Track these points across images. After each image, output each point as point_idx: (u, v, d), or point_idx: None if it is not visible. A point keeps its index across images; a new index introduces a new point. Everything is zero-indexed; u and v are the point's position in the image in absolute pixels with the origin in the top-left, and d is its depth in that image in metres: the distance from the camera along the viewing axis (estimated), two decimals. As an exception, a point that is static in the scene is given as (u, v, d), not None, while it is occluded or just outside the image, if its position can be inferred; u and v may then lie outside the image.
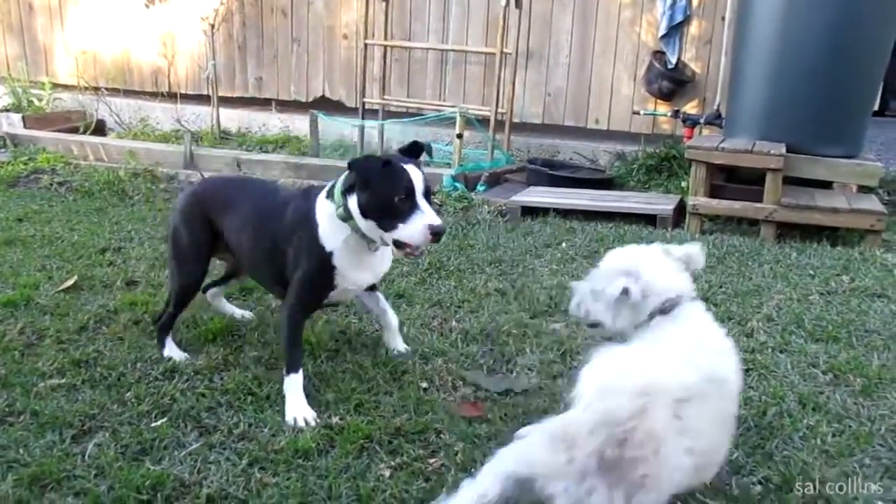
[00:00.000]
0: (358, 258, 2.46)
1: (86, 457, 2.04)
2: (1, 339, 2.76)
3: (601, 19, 6.05)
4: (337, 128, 6.51)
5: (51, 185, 5.31)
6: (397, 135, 6.39)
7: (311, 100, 7.14)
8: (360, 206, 2.34)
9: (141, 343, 2.76)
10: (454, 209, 4.77)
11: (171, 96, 7.46)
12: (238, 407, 2.34)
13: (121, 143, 6.32)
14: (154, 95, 7.58)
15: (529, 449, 1.59)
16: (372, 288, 2.73)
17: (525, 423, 2.18)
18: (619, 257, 2.06)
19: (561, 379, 2.54)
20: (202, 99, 7.32)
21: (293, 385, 2.38)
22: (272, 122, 7.36)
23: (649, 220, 4.54)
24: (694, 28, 5.72)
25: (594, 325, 2.09)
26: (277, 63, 7.29)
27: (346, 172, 2.42)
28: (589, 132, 6.23)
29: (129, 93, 7.65)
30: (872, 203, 4.29)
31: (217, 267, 3.07)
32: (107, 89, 7.42)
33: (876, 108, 8.36)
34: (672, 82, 5.60)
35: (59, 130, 6.68)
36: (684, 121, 5.41)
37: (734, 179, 4.72)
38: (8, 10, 7.91)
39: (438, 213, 2.37)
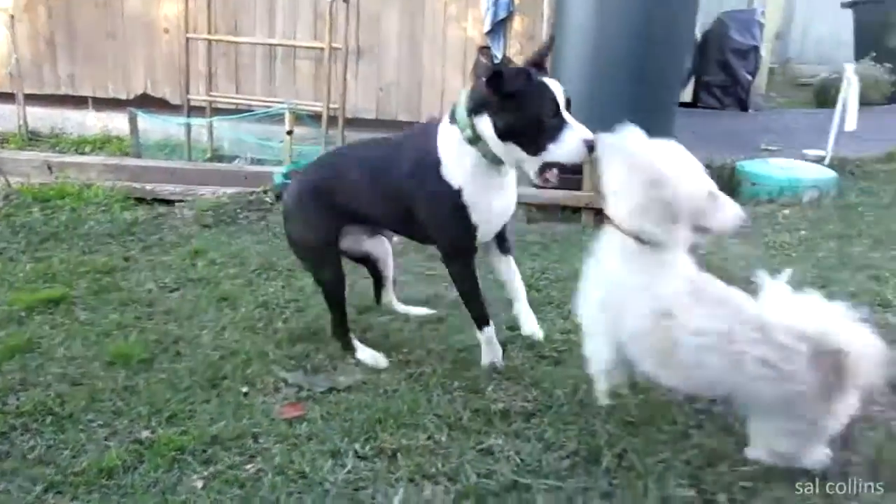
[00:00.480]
0: (489, 189, 2.27)
1: None
2: None
3: (428, 14, 6.12)
4: (162, 126, 6.18)
5: None
6: (227, 133, 6.17)
7: (132, 97, 6.73)
8: (500, 128, 2.10)
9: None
10: (286, 207, 4.65)
11: (-32, 95, 6.79)
12: (35, 430, 2.16)
13: None
14: (-53, 94, 6.87)
15: None
16: (503, 246, 2.53)
17: (347, 419, 2.18)
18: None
19: (385, 373, 2.54)
20: (6, 97, 6.70)
21: (490, 337, 2.50)
22: (90, 122, 6.87)
23: (479, 211, 4.65)
24: (517, 24, 5.92)
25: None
26: (92, 58, 6.80)
27: (468, 90, 2.20)
28: (422, 126, 6.29)
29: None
30: (679, 188, 4.63)
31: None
32: None
33: (690, 100, 9.14)
34: (497, 77, 5.77)
35: None
36: (511, 113, 5.59)
37: (559, 170, 4.92)
38: None
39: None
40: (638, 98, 4.65)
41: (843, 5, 10.44)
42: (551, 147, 2.06)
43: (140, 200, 4.83)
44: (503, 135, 2.09)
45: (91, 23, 6.72)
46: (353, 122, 6.22)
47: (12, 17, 6.28)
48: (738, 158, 5.54)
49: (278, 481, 1.92)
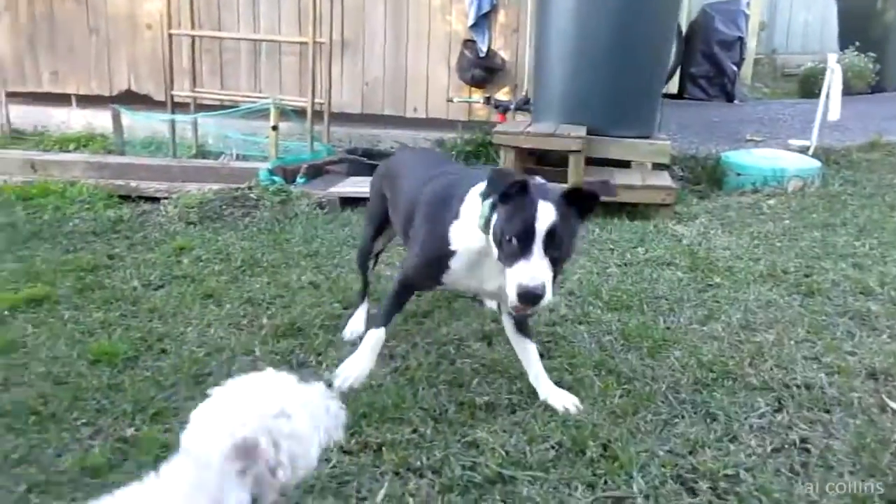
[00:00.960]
0: (480, 268, 2.22)
1: None
2: None
3: (413, 8, 6.10)
4: (146, 123, 6.15)
5: None
6: (212, 129, 6.14)
7: (115, 94, 6.68)
8: (492, 226, 2.05)
9: None
10: (272, 203, 4.63)
11: (-51, 94, 6.72)
12: (18, 430, 2.15)
13: None
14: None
15: None
16: (522, 327, 2.41)
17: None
18: None
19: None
20: (-13, 96, 6.65)
21: (370, 341, 2.38)
22: (74, 119, 6.81)
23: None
24: (502, 17, 5.91)
25: None
26: (75, 55, 6.75)
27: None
28: (408, 121, 6.29)
29: None
30: (663, 179, 4.66)
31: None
32: None
33: (675, 91, 9.17)
34: (484, 70, 5.78)
35: None
36: (496, 107, 5.60)
37: (543, 162, 4.94)
38: None
39: (557, 262, 1.96)
40: (622, 90, 4.68)
41: (827, -6, 10.49)
42: (507, 272, 1.96)
43: (124, 198, 4.80)
44: (491, 234, 2.05)
45: (73, 19, 6.66)
46: (339, 117, 6.20)
47: (-7, 14, 6.23)
48: (723, 149, 5.57)
49: (263, 476, 1.92)
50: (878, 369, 2.52)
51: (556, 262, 1.95)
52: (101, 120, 6.53)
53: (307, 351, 2.67)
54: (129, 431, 2.14)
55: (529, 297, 1.89)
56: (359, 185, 4.95)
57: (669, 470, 1.99)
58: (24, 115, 6.72)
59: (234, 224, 4.31)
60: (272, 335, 2.79)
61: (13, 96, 6.53)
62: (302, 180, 5.13)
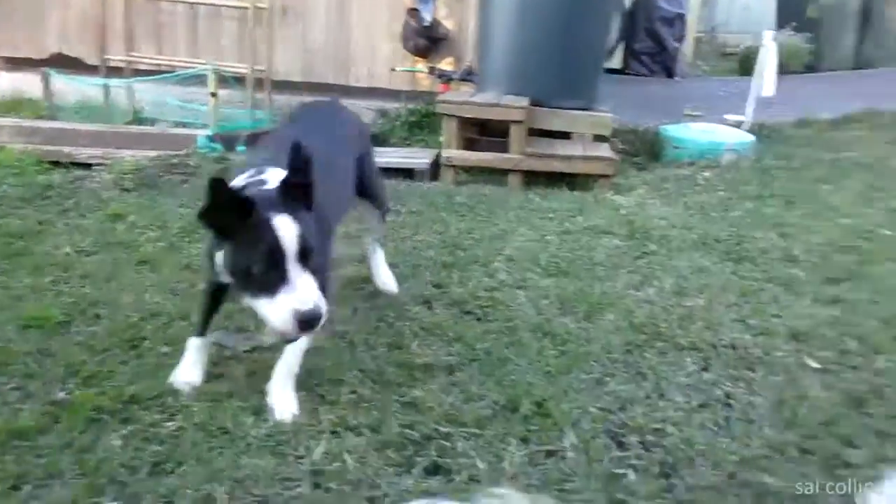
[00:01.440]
0: None
1: None
2: None
3: (357, -25, 6.02)
4: (78, 88, 5.94)
5: None
6: (149, 95, 5.97)
7: (45, 57, 6.43)
8: (223, 262, 1.81)
9: None
10: (210, 171, 4.55)
11: None
12: (-58, 394, 2.09)
13: None
14: None
15: None
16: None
17: (269, 377, 2.18)
18: None
19: (310, 330, 2.54)
20: None
21: (190, 347, 2.19)
22: (1, 83, 6.54)
23: (407, 173, 4.66)
24: (446, -15, 5.90)
25: None
26: (1, 16, 6.46)
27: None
28: (352, 90, 6.21)
29: None
30: (604, 150, 4.73)
31: None
32: None
33: (619, 67, 9.29)
34: (427, 39, 5.76)
35: None
36: (440, 77, 5.60)
37: (486, 133, 4.96)
38: None
39: (325, 281, 1.86)
40: (565, 62, 4.72)
41: (766, -25, 10.73)
42: (265, 303, 1.71)
43: (56, 164, 4.64)
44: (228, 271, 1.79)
45: (-1, -22, 6.38)
46: (281, 85, 6.11)
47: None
48: (662, 123, 5.68)
49: (199, 437, 1.91)
50: (800, 331, 2.64)
51: (318, 271, 1.77)
52: (30, 84, 6.28)
53: (246, 316, 2.65)
54: (61, 395, 2.09)
55: (309, 322, 1.69)
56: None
57: (600, 425, 2.06)
58: (-55, 78, 6.43)
59: (171, 191, 4.22)
60: (210, 300, 2.75)
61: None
62: (241, 148, 5.04)
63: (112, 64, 5.96)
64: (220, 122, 5.22)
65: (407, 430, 1.99)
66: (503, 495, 1.59)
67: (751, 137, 5.31)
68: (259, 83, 5.75)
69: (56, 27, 6.46)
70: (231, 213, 1.70)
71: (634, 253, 3.37)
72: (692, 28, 10.08)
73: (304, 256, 1.71)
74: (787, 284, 3.08)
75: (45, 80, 5.72)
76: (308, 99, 6.10)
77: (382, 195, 2.83)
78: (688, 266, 3.23)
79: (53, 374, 2.20)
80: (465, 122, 4.62)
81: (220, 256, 1.82)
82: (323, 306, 1.72)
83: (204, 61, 5.72)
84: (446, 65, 5.89)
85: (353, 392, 2.17)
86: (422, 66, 5.90)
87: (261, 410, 2.05)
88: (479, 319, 2.70)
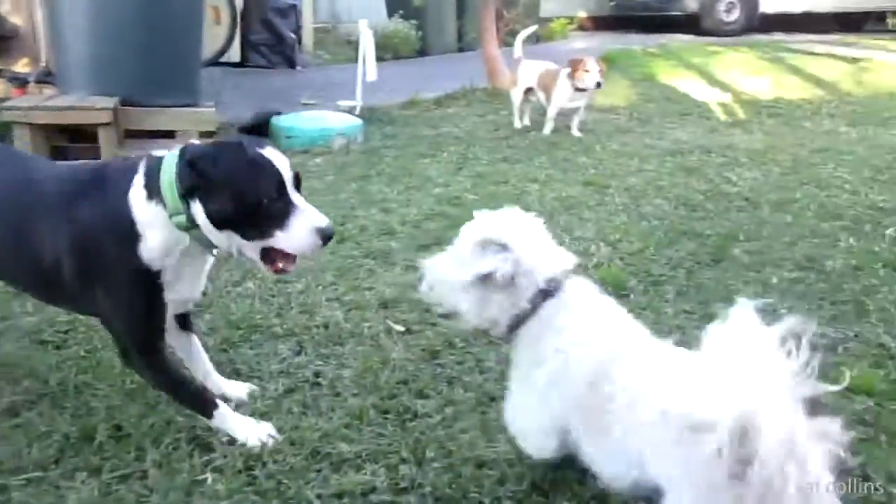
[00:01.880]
0: (192, 266, 1.86)
1: None
2: None
3: None
4: None
5: None
6: None
7: None
8: (213, 215, 1.70)
9: None
10: None
11: None
12: None
13: None
14: None
15: None
16: (184, 321, 2.09)
17: None
18: (481, 225, 1.66)
19: None
20: None
21: (224, 418, 1.94)
22: None
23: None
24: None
25: (449, 316, 1.73)
26: None
27: (176, 167, 1.71)
28: None
29: None
30: (212, 147, 4.59)
31: None
32: None
33: (238, 60, 9.13)
34: (-7, 39, 5.06)
35: None
36: (11, 80, 4.94)
37: (78, 139, 4.50)
38: None
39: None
40: (154, 56, 4.47)
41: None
42: (279, 234, 1.73)
43: None
44: (218, 223, 1.72)
45: None
46: None
47: None
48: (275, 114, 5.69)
49: None
50: (389, 298, 2.82)
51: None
52: None
53: None
54: None
55: (331, 234, 1.76)
56: None
57: (186, 434, 1.98)
58: None
59: None
60: None
61: None
62: None
63: None
64: None
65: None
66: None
67: (359, 121, 5.57)
68: None
69: None
70: (230, 156, 1.70)
71: (239, 248, 3.32)
72: (308, 18, 10.29)
73: (298, 184, 1.77)
74: (384, 256, 3.27)
75: None
76: None
77: None
78: (291, 253, 3.26)
79: None
80: (48, 130, 4.14)
81: (199, 209, 1.71)
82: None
83: None
84: (22, 67, 5.23)
85: None
86: (-11, 69, 5.17)
87: None
88: (57, 348, 2.44)
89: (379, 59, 6.63)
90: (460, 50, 11.33)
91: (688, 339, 1.49)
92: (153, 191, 1.74)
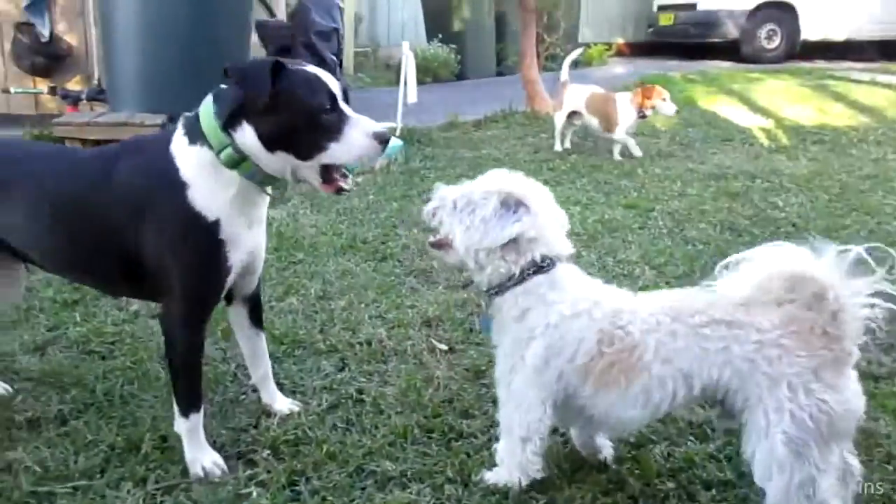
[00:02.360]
0: (248, 215, 1.79)
1: None
2: None
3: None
4: None
5: None
6: None
7: None
8: (266, 135, 1.67)
9: None
10: None
11: None
12: None
13: None
14: None
15: None
16: (255, 315, 2.08)
17: None
18: (504, 180, 1.70)
19: None
20: None
21: (193, 427, 1.86)
22: None
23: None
24: (62, -1, 5.37)
25: (441, 246, 1.76)
26: None
27: (214, 97, 1.71)
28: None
29: None
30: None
31: None
32: None
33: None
34: (47, 57, 5.19)
35: None
36: (65, 98, 5.07)
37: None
38: None
39: None
40: (203, 75, 4.51)
41: (415, -8, 11.48)
42: (334, 146, 1.69)
43: None
44: (271, 142, 1.68)
45: None
46: None
47: None
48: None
49: None
50: (431, 317, 2.80)
51: None
52: None
53: None
54: None
55: (388, 137, 1.74)
56: None
57: (230, 447, 1.97)
58: None
59: None
60: None
61: None
62: None
63: None
64: None
65: (-4, 501, 1.72)
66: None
67: (399, 142, 5.59)
68: None
69: None
70: (285, 71, 1.65)
71: (281, 264, 3.33)
72: (349, 42, 10.43)
73: (346, 97, 1.75)
74: (426, 275, 3.26)
75: None
76: None
77: None
78: (334, 270, 3.27)
79: None
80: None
81: (248, 135, 1.67)
82: None
83: None
84: (74, 84, 5.37)
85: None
86: (44, 86, 5.30)
87: None
88: (104, 359, 2.46)
89: (418, 82, 6.67)
90: (499, 74, 11.40)
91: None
92: (194, 135, 1.71)
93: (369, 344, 2.57)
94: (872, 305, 1.50)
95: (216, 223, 1.72)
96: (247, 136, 1.67)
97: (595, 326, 1.62)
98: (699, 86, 9.01)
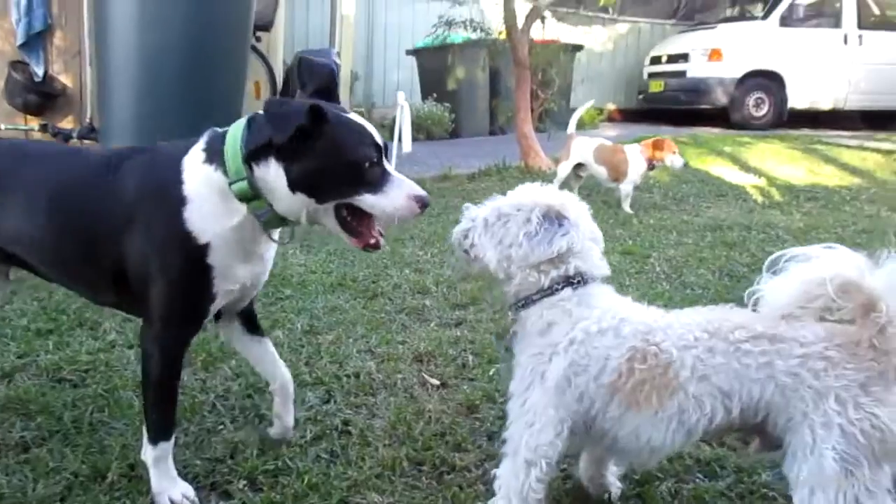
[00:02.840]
0: (246, 248, 1.68)
1: None
2: None
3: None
4: None
5: None
6: None
7: None
8: (299, 178, 1.57)
9: None
10: None
11: None
12: None
13: None
14: None
15: None
16: (252, 325, 1.95)
17: None
18: (539, 193, 1.63)
19: None
20: None
21: (162, 456, 1.72)
22: None
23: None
24: (59, 39, 5.34)
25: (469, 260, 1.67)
26: None
27: (248, 122, 1.62)
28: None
29: None
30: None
31: None
32: None
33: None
34: (40, 96, 5.16)
35: None
36: (55, 135, 5.02)
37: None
38: None
39: None
40: (190, 114, 4.48)
41: (408, 52, 11.70)
42: (370, 198, 1.61)
43: None
44: (302, 187, 1.58)
45: None
46: None
47: None
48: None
49: None
50: (423, 352, 2.68)
51: None
52: None
53: None
54: None
55: (428, 202, 1.68)
56: None
57: (203, 479, 1.83)
58: None
59: None
60: None
61: None
62: None
63: None
64: None
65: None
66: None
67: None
68: None
69: None
70: (325, 115, 1.56)
71: (268, 300, 3.21)
72: (345, 102, 10.55)
73: (387, 151, 1.68)
74: (417, 313, 3.15)
75: None
76: None
77: None
78: (322, 306, 3.16)
79: None
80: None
81: (277, 175, 1.58)
82: None
83: None
84: (67, 123, 5.32)
85: None
86: (35, 124, 5.26)
87: None
88: (75, 387, 2.32)
89: (413, 138, 6.69)
90: (491, 133, 11.50)
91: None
92: (213, 154, 1.63)
93: (357, 377, 2.45)
94: None
95: (206, 247, 1.63)
96: (270, 173, 1.59)
97: (625, 344, 1.52)
98: (690, 147, 9.08)
